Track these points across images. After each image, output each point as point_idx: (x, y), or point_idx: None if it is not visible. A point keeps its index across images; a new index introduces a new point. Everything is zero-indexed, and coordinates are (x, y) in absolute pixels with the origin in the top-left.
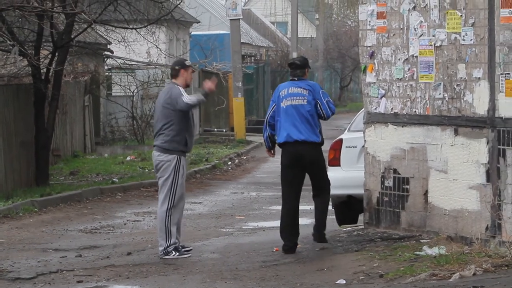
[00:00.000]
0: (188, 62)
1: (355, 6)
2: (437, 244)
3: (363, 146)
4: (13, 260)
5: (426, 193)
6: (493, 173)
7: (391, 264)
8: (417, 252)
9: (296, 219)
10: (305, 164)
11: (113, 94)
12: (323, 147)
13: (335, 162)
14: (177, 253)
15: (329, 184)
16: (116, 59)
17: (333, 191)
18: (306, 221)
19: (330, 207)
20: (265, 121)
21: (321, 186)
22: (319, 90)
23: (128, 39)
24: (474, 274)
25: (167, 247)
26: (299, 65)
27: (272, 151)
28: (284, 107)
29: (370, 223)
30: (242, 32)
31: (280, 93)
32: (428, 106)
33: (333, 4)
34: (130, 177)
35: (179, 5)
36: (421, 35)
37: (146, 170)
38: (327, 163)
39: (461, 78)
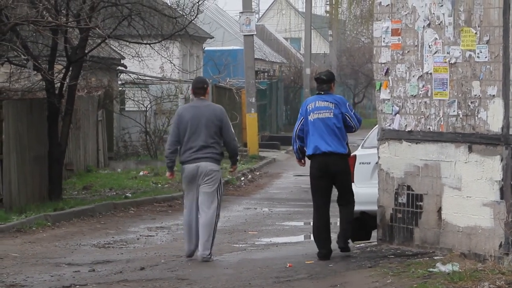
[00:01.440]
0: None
1: (368, 23)
2: (451, 261)
3: (376, 163)
4: (26, 274)
5: (439, 210)
6: (507, 191)
7: (404, 281)
8: (431, 269)
9: (328, 226)
10: (332, 174)
11: (126, 109)
12: None
13: None
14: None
15: (353, 195)
16: (129, 74)
17: None
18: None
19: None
20: (294, 134)
21: (347, 196)
22: (345, 104)
23: (142, 54)
24: None
25: (211, 253)
26: (325, 80)
27: (302, 160)
28: (312, 120)
29: (384, 240)
30: (256, 48)
31: (308, 107)
32: (442, 123)
33: (346, 21)
34: (143, 192)
35: (193, 21)
36: (435, 52)
37: (159, 185)
38: None
39: (476, 95)
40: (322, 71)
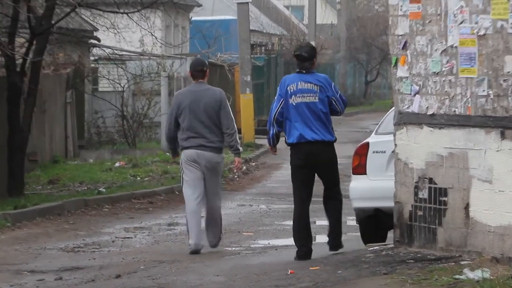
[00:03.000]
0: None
1: None
2: (480, 266)
3: (393, 151)
4: None
5: (467, 207)
6: None
7: None
8: (457, 276)
9: (308, 222)
10: (319, 164)
11: (99, 89)
12: (346, 153)
13: (361, 169)
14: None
15: (340, 187)
16: (103, 49)
17: (358, 204)
18: (325, 239)
19: (354, 223)
20: (273, 118)
21: (335, 186)
22: (331, 85)
23: (118, 26)
24: None
25: (219, 239)
26: (306, 57)
27: (274, 149)
28: (294, 104)
29: (401, 242)
30: (251, 18)
31: (289, 88)
32: (469, 105)
33: None
34: (119, 186)
35: None
36: (461, 22)
37: (138, 178)
38: (350, 171)
39: (509, 72)
40: (302, 45)
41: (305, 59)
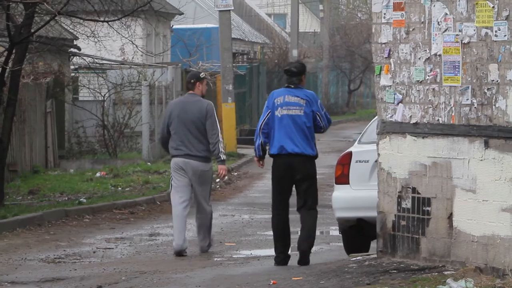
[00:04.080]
0: (202, 75)
1: None
2: (464, 276)
3: (376, 161)
4: None
5: (450, 216)
6: None
7: None
8: (440, 286)
9: (287, 229)
10: (297, 177)
11: (80, 98)
12: (329, 162)
13: (343, 179)
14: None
15: (317, 200)
16: (84, 58)
17: (340, 214)
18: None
19: (337, 233)
20: (259, 128)
21: (309, 201)
22: (317, 101)
23: (98, 34)
24: None
25: (209, 244)
26: (295, 72)
27: (261, 161)
28: (279, 116)
29: (385, 252)
30: (233, 26)
31: (275, 101)
32: (453, 114)
33: None
34: (100, 197)
35: None
36: (445, 30)
37: (119, 188)
38: (333, 180)
39: (493, 80)
40: (293, 62)
41: (294, 74)
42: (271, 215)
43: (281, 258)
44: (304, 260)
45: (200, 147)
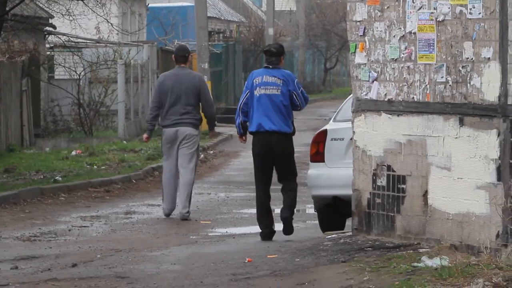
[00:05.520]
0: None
1: None
2: (439, 254)
3: (351, 139)
4: None
5: (425, 194)
6: (504, 171)
7: (384, 278)
8: (415, 264)
9: (268, 205)
10: (274, 153)
11: (56, 77)
12: (304, 140)
13: (318, 157)
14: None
15: (296, 174)
16: (59, 36)
17: (316, 192)
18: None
19: (313, 211)
20: (238, 108)
21: (287, 176)
22: (293, 81)
23: (73, 12)
24: None
25: (189, 211)
26: (274, 52)
27: (244, 137)
28: (258, 95)
29: (360, 229)
30: (209, 4)
31: (254, 81)
32: (428, 92)
33: None
34: (75, 175)
35: None
36: (420, 8)
37: (95, 167)
38: (309, 158)
39: (468, 58)
40: (271, 44)
41: (273, 54)
42: (250, 195)
43: (266, 233)
44: (287, 227)
45: (191, 115)
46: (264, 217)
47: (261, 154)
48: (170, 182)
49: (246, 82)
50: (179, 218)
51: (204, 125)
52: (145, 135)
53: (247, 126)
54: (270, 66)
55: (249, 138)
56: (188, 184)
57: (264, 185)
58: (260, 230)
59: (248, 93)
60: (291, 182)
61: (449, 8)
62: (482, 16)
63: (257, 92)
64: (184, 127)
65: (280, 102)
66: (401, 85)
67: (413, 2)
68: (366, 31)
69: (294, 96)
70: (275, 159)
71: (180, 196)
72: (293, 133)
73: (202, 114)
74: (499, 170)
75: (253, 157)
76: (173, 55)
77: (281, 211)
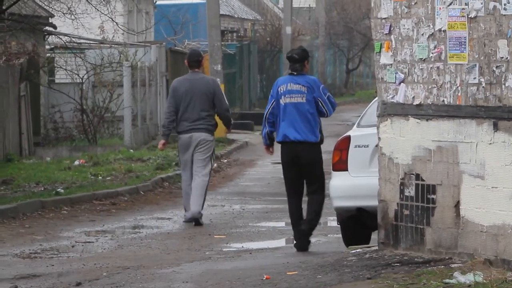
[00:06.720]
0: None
1: None
2: (472, 269)
3: (376, 146)
4: None
5: (457, 205)
6: None
7: None
8: (447, 280)
9: (301, 215)
10: (301, 163)
11: (56, 81)
12: (326, 148)
13: (341, 165)
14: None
15: (324, 185)
16: (60, 37)
17: (339, 203)
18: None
19: (335, 224)
20: (264, 118)
21: (315, 186)
22: (319, 87)
23: (75, 11)
24: None
25: (201, 213)
26: (297, 59)
27: (270, 148)
28: (283, 104)
29: (386, 243)
30: (222, 1)
31: (279, 89)
32: (459, 94)
33: None
34: (79, 186)
35: None
36: (450, 4)
37: (100, 177)
38: (331, 166)
39: (502, 58)
40: (295, 48)
41: (296, 60)
42: (268, 207)
43: (300, 244)
44: (302, 241)
45: (205, 121)
46: (296, 228)
47: (288, 164)
48: (189, 192)
49: (271, 91)
50: (190, 217)
51: (218, 133)
52: (161, 142)
53: (274, 136)
54: (295, 73)
55: (278, 147)
56: (202, 186)
57: (294, 195)
58: (295, 242)
59: (274, 102)
60: (316, 196)
61: (481, 3)
62: None
63: (282, 101)
64: (198, 132)
65: (306, 111)
66: (430, 87)
67: None
68: (392, 29)
69: (320, 103)
70: (302, 170)
71: (192, 197)
72: (321, 141)
73: (218, 120)
74: None
75: (282, 167)
76: (185, 60)
77: (301, 223)
